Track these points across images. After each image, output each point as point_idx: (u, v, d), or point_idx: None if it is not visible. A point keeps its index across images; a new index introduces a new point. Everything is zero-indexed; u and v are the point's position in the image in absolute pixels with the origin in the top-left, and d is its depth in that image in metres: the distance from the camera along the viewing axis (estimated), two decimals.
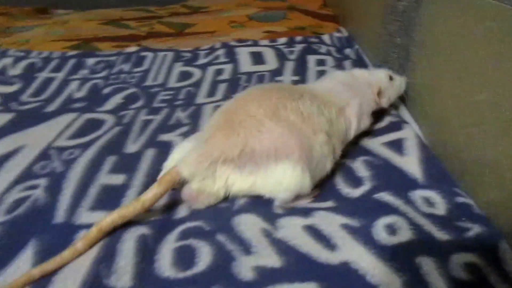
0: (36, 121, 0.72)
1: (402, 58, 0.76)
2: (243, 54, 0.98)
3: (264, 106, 0.49)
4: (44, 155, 0.61)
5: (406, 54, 0.74)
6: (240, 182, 0.48)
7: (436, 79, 0.62)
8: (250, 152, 0.46)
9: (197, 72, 0.91)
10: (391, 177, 0.52)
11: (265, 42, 1.05)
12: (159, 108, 0.76)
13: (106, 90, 0.84)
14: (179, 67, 0.93)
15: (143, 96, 0.81)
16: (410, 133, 0.62)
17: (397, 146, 0.59)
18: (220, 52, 1.00)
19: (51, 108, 0.77)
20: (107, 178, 0.56)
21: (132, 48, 1.02)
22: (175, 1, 1.68)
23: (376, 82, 0.64)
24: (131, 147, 0.63)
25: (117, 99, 0.80)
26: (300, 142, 0.47)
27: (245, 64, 0.93)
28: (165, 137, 0.66)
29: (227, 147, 0.46)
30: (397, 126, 0.65)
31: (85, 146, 0.63)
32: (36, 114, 0.75)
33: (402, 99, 0.75)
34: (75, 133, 0.68)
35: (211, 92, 0.82)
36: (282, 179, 0.46)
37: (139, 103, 0.78)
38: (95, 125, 0.70)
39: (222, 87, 0.84)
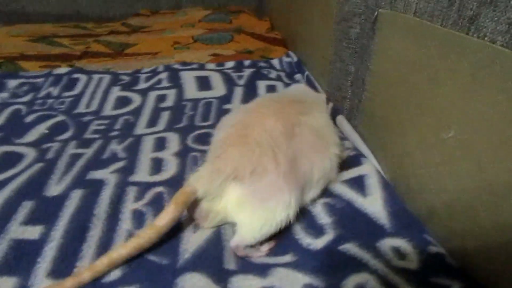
0: None
1: (356, 87, 0.73)
2: (188, 79, 0.91)
3: (281, 121, 0.48)
4: None
5: (360, 82, 0.71)
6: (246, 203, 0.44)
7: (396, 112, 0.58)
8: (261, 173, 0.43)
9: (136, 98, 0.82)
10: (356, 224, 0.47)
11: (212, 65, 0.99)
12: (91, 140, 0.67)
13: (28, 118, 0.73)
14: (116, 92, 0.84)
15: (72, 126, 0.71)
16: (370, 169, 0.57)
17: (358, 184, 0.54)
18: (163, 75, 0.92)
19: None
20: (19, 230, 0.46)
21: (63, 69, 0.92)
22: (114, 19, 1.58)
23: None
24: (54, 189, 0.53)
25: (41, 129, 0.70)
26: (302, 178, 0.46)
27: (190, 89, 0.86)
28: (96, 174, 0.57)
29: (240, 164, 0.44)
30: (355, 160, 0.60)
31: None
32: None
33: (357, 129, 0.72)
34: None
35: (152, 121, 0.74)
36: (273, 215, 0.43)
37: (67, 134, 0.68)
38: (11, 160, 0.60)
39: (164, 116, 0.76)
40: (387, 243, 0.43)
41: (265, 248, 0.44)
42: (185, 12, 1.54)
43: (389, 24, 0.60)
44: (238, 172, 0.43)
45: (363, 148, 0.67)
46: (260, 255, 0.43)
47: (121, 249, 0.41)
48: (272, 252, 0.44)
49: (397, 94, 0.58)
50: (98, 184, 0.55)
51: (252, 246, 0.43)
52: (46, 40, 1.19)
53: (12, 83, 0.85)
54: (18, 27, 1.39)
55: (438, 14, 0.47)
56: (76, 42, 1.20)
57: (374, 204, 0.50)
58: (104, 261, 0.40)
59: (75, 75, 0.89)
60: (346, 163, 0.60)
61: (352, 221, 0.47)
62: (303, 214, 0.50)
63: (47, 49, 1.10)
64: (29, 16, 1.59)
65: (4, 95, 0.81)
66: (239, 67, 0.99)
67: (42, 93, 0.82)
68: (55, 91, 0.83)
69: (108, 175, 0.57)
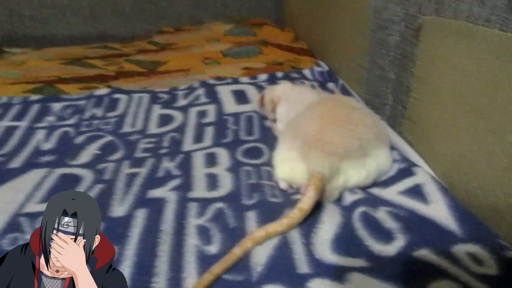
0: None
1: (399, 93, 0.73)
2: (225, 93, 0.92)
3: (346, 110, 0.61)
4: (13, 225, 0.51)
5: (404, 89, 0.71)
6: (357, 174, 0.55)
7: (448, 117, 0.58)
8: (364, 145, 0.55)
9: (178, 115, 0.84)
10: (425, 230, 0.47)
11: (246, 79, 1.00)
12: (143, 158, 0.68)
13: (78, 140, 0.75)
14: (157, 110, 0.86)
15: (122, 145, 0.73)
16: (425, 177, 0.57)
17: (417, 193, 0.54)
18: (200, 91, 0.94)
19: (15, 163, 0.67)
20: None
21: (103, 90, 0.94)
22: (138, 38, 1.61)
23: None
24: (118, 210, 0.54)
25: (92, 150, 0.71)
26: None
27: (229, 104, 0.87)
28: (155, 193, 0.58)
29: (348, 143, 0.55)
30: (407, 171, 0.60)
31: None
32: None
33: (402, 135, 0.72)
34: (48, 195, 0.58)
35: (198, 137, 0.75)
36: (385, 159, 0.58)
37: (118, 154, 0.70)
38: (71, 182, 0.61)
39: (209, 131, 0.77)
40: (462, 249, 0.43)
41: None
42: (209, 28, 1.57)
43: (435, 30, 0.61)
44: (348, 150, 0.54)
45: (412, 154, 0.67)
46: None
47: (277, 226, 0.48)
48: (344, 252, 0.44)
49: (448, 99, 0.58)
50: (160, 202, 0.56)
51: None
52: (79, 62, 1.22)
53: (56, 106, 0.87)
54: (47, 51, 1.42)
55: (496, 18, 0.48)
56: (107, 62, 1.22)
57: (438, 211, 0.50)
58: (262, 234, 0.47)
59: (116, 95, 0.91)
60: (399, 174, 0.60)
61: (420, 228, 0.47)
62: (366, 220, 0.50)
63: (82, 71, 1.12)
64: (56, 40, 1.63)
65: (51, 118, 0.83)
66: (272, 79, 1.00)
67: (87, 114, 0.84)
68: (99, 112, 0.85)
69: (167, 193, 0.58)
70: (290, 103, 0.73)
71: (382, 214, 0.51)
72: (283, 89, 0.78)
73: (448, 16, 0.57)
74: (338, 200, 0.56)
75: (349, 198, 0.56)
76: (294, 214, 0.49)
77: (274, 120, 0.77)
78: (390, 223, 0.50)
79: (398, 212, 0.51)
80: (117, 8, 1.65)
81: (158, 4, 1.67)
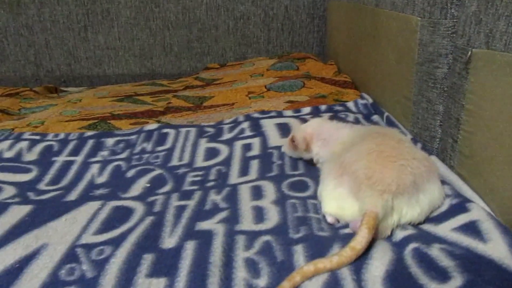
0: (57, 213, 0.65)
1: (449, 126, 0.72)
2: (269, 126, 0.94)
3: (394, 143, 0.60)
4: (70, 256, 0.54)
5: (454, 122, 0.70)
6: (411, 211, 0.55)
7: (504, 151, 0.56)
8: (417, 180, 0.55)
9: (224, 149, 0.86)
10: (484, 270, 0.45)
11: (289, 112, 1.02)
12: (191, 191, 0.70)
13: (129, 173, 0.78)
14: (204, 144, 0.88)
15: (170, 179, 0.75)
16: (481, 214, 0.55)
17: (472, 230, 0.52)
18: (245, 125, 0.96)
19: (72, 196, 0.71)
20: (146, 283, 0.48)
21: (152, 125, 0.98)
22: (185, 74, 1.68)
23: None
24: (168, 241, 0.56)
25: (142, 183, 0.74)
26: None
27: (274, 137, 0.89)
28: (204, 225, 0.59)
29: (400, 179, 0.54)
30: (461, 207, 0.57)
31: (116, 242, 0.56)
32: (56, 204, 0.68)
33: (454, 170, 0.69)
34: (102, 226, 0.60)
35: (244, 170, 0.76)
36: (438, 194, 0.58)
37: (167, 187, 0.72)
38: (123, 215, 0.63)
39: (254, 165, 0.78)
40: None
41: None
42: (252, 63, 1.61)
43: (486, 63, 0.60)
44: (401, 187, 0.53)
45: (466, 190, 0.64)
46: None
47: (327, 262, 0.48)
48: None
49: (503, 133, 0.56)
50: (208, 235, 0.56)
51: None
52: (130, 99, 1.28)
53: (110, 141, 0.92)
54: (101, 89, 1.52)
55: None
56: (157, 98, 1.28)
57: (498, 250, 0.47)
58: (311, 269, 0.47)
59: (164, 130, 0.95)
60: (452, 209, 0.58)
61: (478, 267, 0.45)
62: (420, 257, 0.49)
63: (133, 107, 1.18)
64: (109, 78, 1.73)
65: (105, 153, 0.87)
66: (316, 112, 1.00)
67: (137, 149, 0.88)
68: (148, 146, 0.89)
69: (215, 225, 0.59)
70: (325, 140, 0.72)
71: (436, 252, 0.49)
72: (314, 125, 0.76)
73: (499, 49, 0.56)
74: (389, 236, 0.54)
75: (400, 234, 0.54)
76: (346, 253, 0.48)
77: (311, 160, 0.76)
78: (445, 261, 0.47)
79: (453, 249, 0.49)
80: (166, 47, 1.74)
81: (204, 42, 1.75)
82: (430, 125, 0.79)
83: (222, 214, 0.62)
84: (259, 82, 1.32)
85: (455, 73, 0.69)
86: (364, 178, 0.54)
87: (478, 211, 0.56)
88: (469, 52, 0.64)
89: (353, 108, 1.03)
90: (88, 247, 0.56)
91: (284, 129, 0.91)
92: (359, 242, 0.49)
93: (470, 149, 0.65)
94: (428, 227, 0.56)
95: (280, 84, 1.26)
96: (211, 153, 0.84)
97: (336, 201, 0.58)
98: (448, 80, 0.73)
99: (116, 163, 0.83)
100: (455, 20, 0.70)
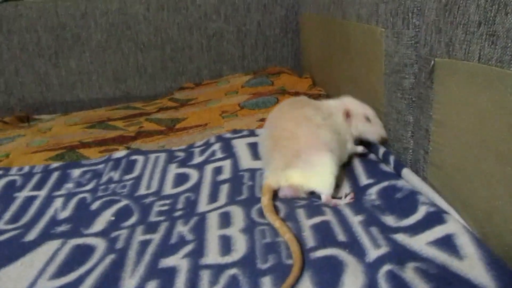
0: (13, 256, 0.61)
1: (420, 137, 0.70)
2: (241, 147, 0.91)
3: (294, 118, 0.72)
4: None
5: (424, 133, 0.68)
6: (300, 178, 0.69)
7: (473, 162, 0.54)
8: (297, 154, 0.68)
9: (194, 174, 0.83)
10: None
11: (262, 131, 0.99)
12: (157, 223, 0.66)
13: (94, 206, 0.74)
14: (173, 169, 0.85)
15: (136, 209, 0.72)
16: (457, 227, 0.53)
17: (448, 245, 0.50)
18: (216, 146, 0.93)
19: (31, 235, 0.67)
20: None
21: (121, 152, 0.95)
22: (161, 95, 1.66)
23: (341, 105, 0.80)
24: (129, 282, 0.52)
25: (107, 216, 0.71)
26: (324, 140, 0.70)
27: (245, 158, 0.86)
28: (167, 261, 0.56)
29: (285, 156, 0.69)
30: (437, 217, 0.56)
31: (73, 287, 0.52)
32: (14, 246, 0.64)
33: (427, 181, 0.67)
34: (59, 269, 0.57)
35: (213, 196, 0.73)
36: (322, 168, 0.68)
37: (133, 219, 0.69)
38: (83, 254, 0.60)
39: (224, 189, 0.75)
40: None
41: (349, 197, 0.68)
42: (227, 80, 1.59)
43: (448, 72, 0.58)
44: (286, 162, 0.68)
45: (440, 202, 0.62)
46: (345, 202, 0.67)
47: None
48: None
49: (470, 143, 0.55)
50: (171, 272, 0.53)
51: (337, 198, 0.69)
52: (102, 125, 1.25)
53: (76, 172, 0.88)
54: (74, 115, 1.48)
55: (509, 59, 0.45)
56: (129, 123, 1.25)
57: (474, 268, 0.45)
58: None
59: (133, 157, 0.92)
60: (428, 219, 0.56)
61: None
62: (393, 280, 0.46)
63: (103, 134, 1.15)
64: (83, 103, 1.70)
65: (70, 185, 0.83)
66: None
67: (104, 178, 0.84)
68: (116, 175, 0.85)
69: (179, 261, 0.56)
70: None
71: (410, 274, 0.47)
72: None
73: (460, 57, 0.55)
74: (361, 255, 0.52)
75: (373, 253, 0.52)
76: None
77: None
78: (420, 285, 0.45)
79: (428, 268, 0.47)
80: (139, 69, 1.71)
81: (178, 62, 1.73)
82: (401, 136, 0.77)
83: (188, 247, 0.59)
84: (233, 100, 1.30)
85: (421, 83, 0.68)
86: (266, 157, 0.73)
87: (454, 223, 0.54)
88: (432, 62, 0.62)
89: None
90: None
91: (256, 149, 0.89)
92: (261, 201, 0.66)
93: (440, 160, 0.63)
94: (403, 238, 0.54)
95: (254, 101, 1.24)
96: (180, 179, 0.81)
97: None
98: (416, 90, 0.71)
99: (81, 195, 0.79)
100: (417, 30, 0.69)
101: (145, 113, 1.35)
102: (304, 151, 0.68)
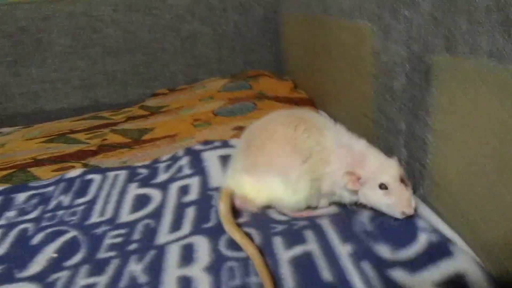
0: None
1: (415, 149, 0.60)
2: (211, 160, 0.80)
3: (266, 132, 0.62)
4: None
5: (420, 143, 0.58)
6: (252, 189, 0.60)
7: (480, 177, 0.45)
8: (255, 165, 0.60)
9: (156, 195, 0.71)
10: None
11: (236, 141, 0.88)
12: (106, 260, 0.55)
13: (36, 239, 0.63)
14: (133, 190, 0.74)
15: (84, 243, 0.60)
16: (467, 262, 0.43)
17: None
18: (184, 161, 0.82)
19: None
20: None
21: (75, 172, 0.83)
22: (132, 103, 1.54)
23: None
24: None
25: (49, 252, 0.59)
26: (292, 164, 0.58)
27: (216, 174, 0.75)
28: None
29: (245, 163, 0.61)
30: (442, 248, 0.46)
31: None
32: None
33: (426, 202, 0.57)
34: None
35: (176, 223, 0.62)
36: (279, 190, 0.59)
37: (78, 256, 0.57)
38: None
39: (189, 214, 0.64)
40: None
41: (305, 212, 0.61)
42: (203, 85, 1.48)
43: (449, 72, 0.48)
44: (244, 168, 0.61)
45: (443, 228, 0.52)
46: (302, 215, 0.60)
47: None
48: None
49: (478, 158, 0.45)
50: None
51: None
52: (62, 139, 1.13)
53: (21, 197, 0.76)
54: (36, 128, 1.35)
55: None
56: (92, 135, 1.13)
57: None
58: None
59: (88, 176, 0.80)
60: (430, 250, 0.46)
61: None
62: None
63: (61, 149, 1.03)
64: (48, 115, 1.56)
65: (11, 213, 0.71)
66: None
67: (52, 204, 0.73)
68: (66, 199, 0.73)
69: None
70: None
71: None
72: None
73: (464, 53, 0.45)
74: None
75: None
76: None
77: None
78: None
79: None
80: (108, 76, 1.59)
81: (151, 67, 1.61)
82: (393, 146, 0.68)
83: None
84: (207, 107, 1.19)
85: (415, 85, 0.58)
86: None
87: (464, 257, 0.44)
88: (428, 60, 0.52)
89: None
90: None
91: (229, 162, 0.78)
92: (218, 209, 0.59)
93: (441, 176, 0.53)
94: (401, 275, 0.44)
95: (229, 108, 1.13)
96: (141, 202, 0.70)
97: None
98: (408, 93, 0.61)
99: (22, 226, 0.67)
100: (408, 23, 0.59)
101: (112, 123, 1.23)
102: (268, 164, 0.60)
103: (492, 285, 0.40)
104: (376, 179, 0.54)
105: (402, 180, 0.54)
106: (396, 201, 0.53)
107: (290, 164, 0.59)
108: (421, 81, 0.55)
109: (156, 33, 1.58)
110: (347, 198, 0.59)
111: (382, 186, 0.54)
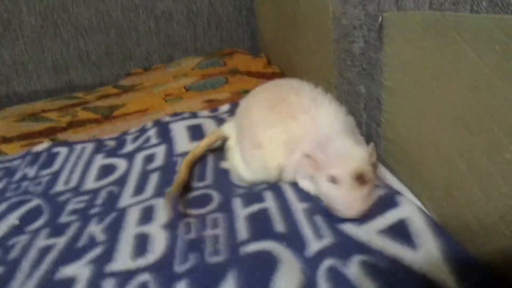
0: None
1: (372, 109, 0.61)
2: (178, 130, 0.81)
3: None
4: None
5: (375, 103, 0.59)
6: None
7: (428, 134, 0.46)
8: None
9: (121, 164, 0.72)
10: None
11: (205, 112, 0.89)
12: (66, 224, 0.56)
13: None
14: (99, 161, 0.74)
15: (47, 209, 0.61)
16: (412, 210, 0.44)
17: (401, 233, 0.41)
18: (151, 132, 0.82)
19: None
20: None
21: (43, 145, 0.82)
22: (107, 83, 1.52)
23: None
24: None
25: (11, 220, 0.59)
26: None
27: (182, 142, 0.76)
28: (66, 270, 0.46)
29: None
30: (390, 200, 0.47)
31: None
32: None
33: (381, 159, 0.59)
34: None
35: (139, 188, 0.63)
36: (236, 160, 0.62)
37: (40, 221, 0.58)
38: None
39: (153, 179, 0.65)
40: None
41: None
42: (178, 63, 1.47)
43: (398, 27, 0.49)
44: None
45: (394, 182, 0.54)
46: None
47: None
48: None
49: (425, 111, 0.46)
50: (68, 284, 0.43)
51: None
52: (33, 118, 1.12)
53: None
54: (8, 110, 1.33)
55: None
56: (63, 113, 1.12)
57: (430, 259, 0.37)
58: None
59: (55, 150, 0.80)
60: (379, 203, 0.48)
61: (404, 286, 0.34)
62: (335, 279, 0.37)
63: (30, 127, 1.02)
64: (21, 97, 1.54)
65: None
66: (234, 109, 0.88)
67: (17, 176, 0.73)
68: (31, 171, 0.73)
69: (80, 268, 0.45)
70: None
71: (355, 269, 0.38)
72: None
73: (410, 7, 0.46)
74: (300, 249, 0.43)
75: (314, 246, 0.43)
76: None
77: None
78: (365, 283, 0.36)
79: (377, 262, 0.38)
80: (82, 56, 1.57)
81: (125, 46, 1.59)
82: (354, 110, 0.69)
83: (96, 251, 0.48)
84: (180, 83, 1.19)
85: (370, 46, 0.59)
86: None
87: (408, 206, 0.46)
88: (380, 18, 0.53)
89: None
90: None
91: (196, 132, 0.79)
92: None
93: (393, 133, 0.55)
94: (350, 227, 0.45)
95: (201, 83, 1.13)
96: (105, 171, 0.70)
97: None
98: (366, 55, 0.62)
99: None
100: None
101: (84, 102, 1.22)
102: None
103: (434, 227, 0.41)
104: (328, 169, 0.48)
105: (360, 177, 0.46)
106: (339, 200, 0.46)
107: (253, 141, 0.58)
108: (376, 40, 0.56)
109: (129, 12, 1.56)
110: (292, 175, 0.56)
111: (331, 179, 0.47)
